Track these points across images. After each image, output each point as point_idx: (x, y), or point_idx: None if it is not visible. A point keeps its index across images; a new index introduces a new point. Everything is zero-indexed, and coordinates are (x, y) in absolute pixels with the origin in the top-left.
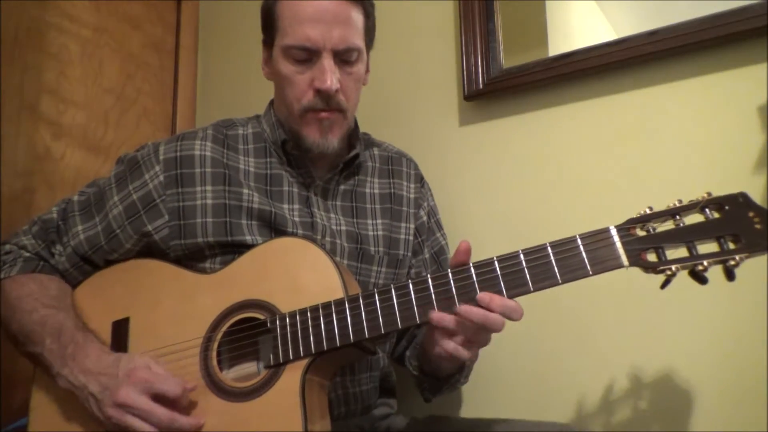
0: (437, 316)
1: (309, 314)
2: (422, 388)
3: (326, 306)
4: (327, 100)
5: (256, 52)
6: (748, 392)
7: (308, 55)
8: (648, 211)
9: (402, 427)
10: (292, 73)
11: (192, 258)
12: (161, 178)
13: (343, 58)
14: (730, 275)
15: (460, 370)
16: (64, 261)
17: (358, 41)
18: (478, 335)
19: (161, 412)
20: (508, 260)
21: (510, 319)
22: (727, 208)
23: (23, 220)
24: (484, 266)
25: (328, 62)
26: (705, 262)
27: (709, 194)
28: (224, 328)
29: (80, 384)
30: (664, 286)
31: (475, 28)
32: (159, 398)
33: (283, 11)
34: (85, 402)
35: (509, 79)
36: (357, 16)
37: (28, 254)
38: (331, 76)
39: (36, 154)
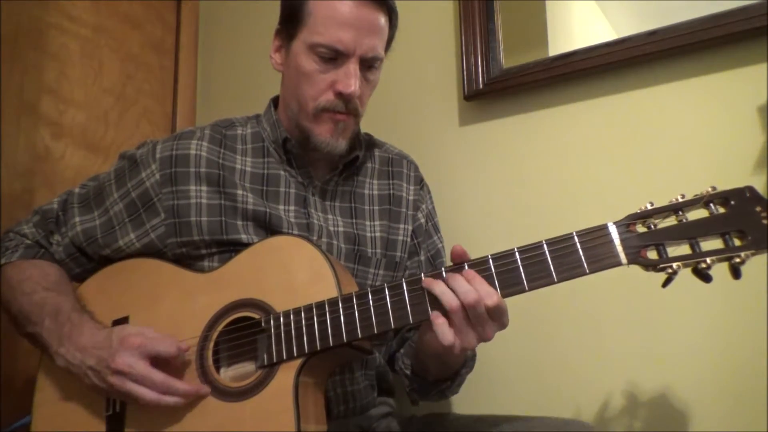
0: (428, 280)
1: (303, 314)
2: (411, 388)
3: (320, 306)
4: (346, 103)
5: (256, 52)
6: (749, 392)
7: (335, 56)
8: (649, 207)
9: (401, 426)
10: (314, 70)
11: (190, 257)
12: (157, 176)
13: (368, 65)
14: (736, 273)
15: (452, 377)
16: (61, 251)
17: (383, 51)
18: (466, 324)
19: (157, 377)
20: (503, 258)
21: (485, 304)
22: (732, 202)
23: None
24: (479, 264)
25: (354, 67)
26: (708, 260)
27: (713, 188)
28: (220, 327)
29: (77, 361)
30: (665, 284)
31: (475, 28)
32: (156, 360)
33: (317, 8)
34: (85, 378)
35: (509, 79)
36: (386, 26)
37: (29, 242)
38: (356, 81)
39: (36, 154)
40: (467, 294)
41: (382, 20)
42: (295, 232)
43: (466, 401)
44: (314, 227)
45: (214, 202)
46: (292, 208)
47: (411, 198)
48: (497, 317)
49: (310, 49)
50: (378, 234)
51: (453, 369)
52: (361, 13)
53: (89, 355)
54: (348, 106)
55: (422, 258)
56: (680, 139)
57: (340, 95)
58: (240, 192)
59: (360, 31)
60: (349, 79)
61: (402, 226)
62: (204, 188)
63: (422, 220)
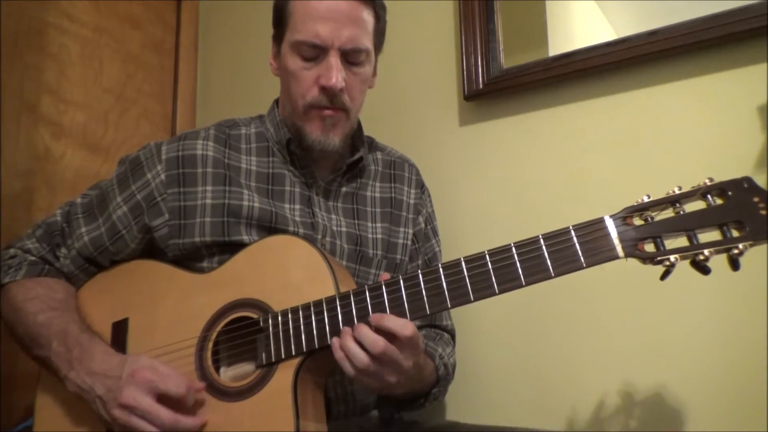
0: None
1: (300, 312)
2: (387, 404)
3: (317, 304)
4: (331, 98)
5: (256, 52)
6: (748, 391)
7: (316, 52)
8: (646, 199)
9: (401, 427)
10: (298, 68)
11: (190, 258)
12: (163, 177)
13: (351, 58)
14: (734, 265)
15: (425, 396)
16: (69, 264)
17: (367, 43)
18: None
19: (164, 414)
20: (500, 254)
21: (402, 336)
22: (730, 193)
23: (23, 220)
24: (476, 260)
25: (334, 60)
26: (706, 252)
27: (710, 180)
28: (219, 327)
29: (87, 386)
30: (663, 277)
31: (475, 28)
32: (163, 398)
33: (296, 7)
34: (93, 404)
35: (509, 79)
36: (368, 18)
37: (33, 258)
38: (336, 74)
39: (36, 154)
40: (374, 346)
41: (363, 12)
42: (301, 231)
43: (467, 409)
44: (319, 226)
45: (218, 201)
46: (297, 207)
47: (412, 202)
48: (409, 347)
49: (293, 48)
50: (379, 236)
51: (421, 392)
52: (337, 5)
53: (99, 383)
54: (334, 101)
55: (419, 262)
56: (680, 139)
57: (323, 90)
58: (246, 192)
59: (337, 23)
60: (330, 72)
61: (402, 229)
62: (209, 188)
63: (422, 225)
